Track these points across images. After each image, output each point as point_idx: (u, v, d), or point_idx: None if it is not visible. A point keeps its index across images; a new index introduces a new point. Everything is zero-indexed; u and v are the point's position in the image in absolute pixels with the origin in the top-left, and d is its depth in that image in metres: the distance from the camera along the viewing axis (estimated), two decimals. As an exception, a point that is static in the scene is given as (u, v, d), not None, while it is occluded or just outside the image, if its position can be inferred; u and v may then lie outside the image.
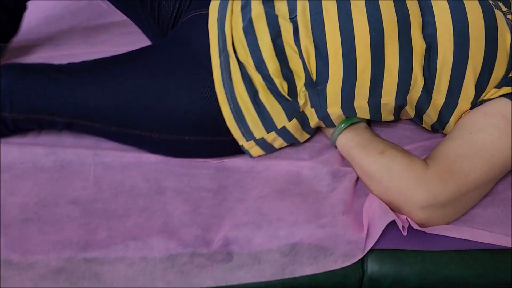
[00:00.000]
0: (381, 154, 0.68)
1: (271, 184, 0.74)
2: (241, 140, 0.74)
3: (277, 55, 0.70)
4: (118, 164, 0.77)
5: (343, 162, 0.77)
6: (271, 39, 0.69)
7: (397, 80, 0.66)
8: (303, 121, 0.74)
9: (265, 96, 0.70)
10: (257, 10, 0.71)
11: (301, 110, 0.72)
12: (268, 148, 0.76)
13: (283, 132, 0.73)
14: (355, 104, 0.70)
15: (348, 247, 0.66)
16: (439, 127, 0.75)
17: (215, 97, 0.71)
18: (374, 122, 0.81)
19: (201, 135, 0.73)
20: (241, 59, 0.71)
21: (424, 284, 0.68)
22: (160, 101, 0.71)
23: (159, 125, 0.72)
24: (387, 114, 0.72)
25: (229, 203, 0.72)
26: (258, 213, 0.70)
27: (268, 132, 0.72)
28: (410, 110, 0.73)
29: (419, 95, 0.68)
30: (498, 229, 0.69)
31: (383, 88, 0.67)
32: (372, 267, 0.68)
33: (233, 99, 0.70)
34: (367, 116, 0.73)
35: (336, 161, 0.76)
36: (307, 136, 0.77)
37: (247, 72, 0.70)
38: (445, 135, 0.76)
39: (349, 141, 0.72)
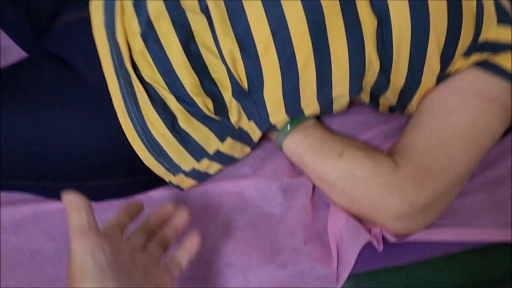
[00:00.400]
0: (339, 157, 0.54)
1: (210, 217, 0.59)
2: (167, 176, 0.57)
3: (192, 65, 0.51)
4: (10, 223, 0.58)
5: (294, 170, 0.63)
6: (181, 44, 0.50)
7: (348, 68, 0.51)
8: (242, 138, 0.58)
9: (185, 121, 0.53)
10: (155, 5, 0.50)
11: (236, 128, 0.56)
12: (202, 177, 0.60)
13: (218, 156, 0.57)
14: (302, 105, 0.55)
15: (318, 284, 0.54)
16: (399, 109, 0.62)
17: (121, 134, 0.52)
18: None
19: (111, 178, 0.56)
20: (146, 77, 0.52)
21: (413, 302, 0.57)
22: (49, 145, 0.52)
23: (50, 172, 0.54)
24: (340, 106, 0.58)
25: (162, 252, 0.56)
26: (201, 262, 0.55)
27: (198, 160, 0.56)
28: (365, 96, 0.59)
29: (375, 79, 0.54)
30: (485, 220, 0.58)
31: (332, 80, 0.52)
32: (350, 297, 0.56)
33: (146, 132, 0.52)
34: (317, 113, 0.58)
35: (285, 172, 0.61)
36: (249, 150, 0.62)
37: (158, 94, 0.52)
38: (405, 115, 0.63)
39: (299, 145, 0.57)
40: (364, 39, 0.50)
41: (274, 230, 0.58)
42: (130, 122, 0.52)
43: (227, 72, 0.51)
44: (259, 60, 0.49)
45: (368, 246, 0.54)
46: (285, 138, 0.58)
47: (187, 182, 0.59)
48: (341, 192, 0.54)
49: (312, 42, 0.48)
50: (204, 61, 0.52)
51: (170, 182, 0.58)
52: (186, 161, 0.55)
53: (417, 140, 0.55)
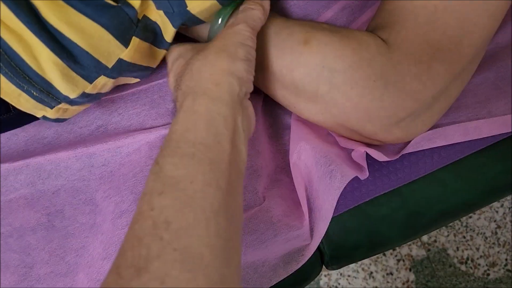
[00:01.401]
0: (304, 46, 0.37)
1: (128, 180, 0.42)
2: (38, 111, 0.37)
3: None
4: None
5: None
6: None
7: None
8: (153, 35, 0.38)
9: (55, 12, 0.32)
10: None
11: (141, 18, 0.36)
12: (96, 98, 0.39)
13: (121, 68, 0.37)
14: None
15: (288, 248, 0.40)
16: None
17: None
18: None
19: None
20: None
21: (414, 228, 0.44)
22: None
23: None
24: None
25: (76, 238, 0.41)
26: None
27: (91, 80, 0.35)
28: None
29: None
30: (499, 107, 0.43)
31: None
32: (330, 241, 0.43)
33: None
34: None
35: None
36: (162, 54, 0.41)
37: None
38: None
39: None
40: None
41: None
42: None
43: None
44: None
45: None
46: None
47: (71, 111, 0.39)
48: (312, 98, 0.37)
49: None
50: None
51: (44, 117, 0.38)
52: (71, 84, 0.35)
53: (410, 2, 0.36)
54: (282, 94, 0.40)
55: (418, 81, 0.35)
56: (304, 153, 0.40)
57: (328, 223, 0.38)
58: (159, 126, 0.42)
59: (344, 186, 0.37)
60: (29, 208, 0.40)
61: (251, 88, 0.34)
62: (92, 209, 0.40)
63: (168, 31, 0.38)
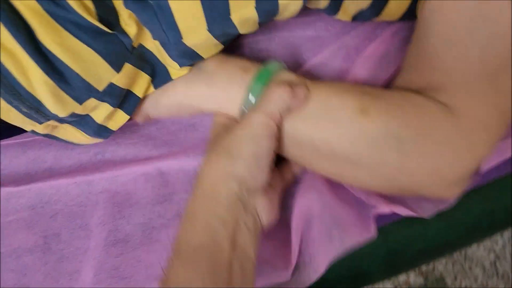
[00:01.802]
0: (362, 116, 0.35)
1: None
2: (27, 125, 0.37)
3: None
4: None
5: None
6: None
7: None
8: (150, 66, 0.39)
9: (51, 35, 0.33)
10: None
11: (136, 46, 0.37)
12: (87, 123, 0.40)
13: (112, 92, 0.37)
14: (232, 16, 0.36)
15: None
16: (371, 15, 0.43)
17: None
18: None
19: None
20: None
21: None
22: None
23: None
24: (286, 15, 0.39)
25: (70, 262, 0.43)
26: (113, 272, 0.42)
27: (81, 102, 0.36)
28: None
29: None
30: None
31: None
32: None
33: None
34: (254, 29, 0.39)
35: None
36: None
37: None
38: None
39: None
40: None
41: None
42: None
43: None
44: None
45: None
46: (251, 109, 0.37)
47: (63, 131, 0.40)
48: (368, 166, 0.36)
49: None
50: None
51: (33, 131, 0.39)
52: (60, 104, 0.35)
53: (465, 63, 0.35)
54: (323, 167, 0.38)
55: (489, 146, 0.36)
56: (312, 203, 0.41)
57: (318, 275, 0.39)
58: (154, 158, 0.44)
59: (341, 251, 0.39)
60: (27, 230, 0.43)
61: (261, 183, 0.34)
62: (87, 234, 0.42)
63: (168, 62, 0.39)
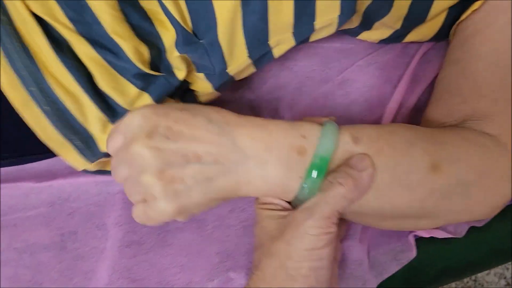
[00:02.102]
0: (434, 172, 0.33)
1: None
2: (80, 163, 0.39)
3: None
4: None
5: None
6: None
7: None
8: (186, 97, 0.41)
9: (108, 81, 0.36)
10: None
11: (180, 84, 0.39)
12: None
13: None
14: (270, 42, 0.36)
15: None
16: (398, 38, 0.43)
17: None
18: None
19: None
20: (36, 9, 0.34)
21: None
22: None
23: None
24: (319, 37, 0.40)
25: (85, 261, 0.42)
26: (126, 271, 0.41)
27: None
28: (355, 19, 0.40)
29: None
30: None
31: (316, 3, 0.33)
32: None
33: (46, 93, 0.35)
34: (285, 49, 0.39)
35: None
36: None
37: (62, 37, 0.35)
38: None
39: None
40: None
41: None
42: (16, 76, 0.34)
43: (162, 8, 0.34)
44: None
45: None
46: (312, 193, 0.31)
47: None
48: (439, 214, 0.35)
49: None
50: None
51: (85, 171, 0.40)
52: None
53: (509, 88, 0.36)
54: (384, 224, 0.37)
55: None
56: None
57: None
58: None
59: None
60: (44, 226, 0.42)
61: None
62: (104, 234, 0.42)
63: (204, 93, 0.41)
